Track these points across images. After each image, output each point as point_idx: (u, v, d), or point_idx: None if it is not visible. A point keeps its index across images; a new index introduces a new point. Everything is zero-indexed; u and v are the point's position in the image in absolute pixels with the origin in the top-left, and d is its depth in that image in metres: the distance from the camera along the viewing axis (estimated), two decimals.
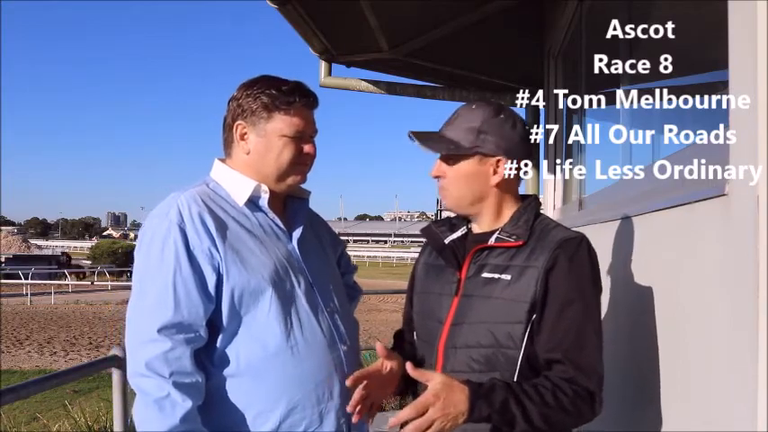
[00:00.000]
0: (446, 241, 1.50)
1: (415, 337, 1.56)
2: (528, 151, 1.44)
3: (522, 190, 1.51)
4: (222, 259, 1.46)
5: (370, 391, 1.43)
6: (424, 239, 1.59)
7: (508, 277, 1.37)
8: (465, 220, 1.52)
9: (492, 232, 1.44)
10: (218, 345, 1.47)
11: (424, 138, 1.44)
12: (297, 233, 1.60)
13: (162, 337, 1.40)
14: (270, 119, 1.54)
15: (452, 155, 1.43)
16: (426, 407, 1.22)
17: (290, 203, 1.66)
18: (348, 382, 1.41)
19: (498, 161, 1.41)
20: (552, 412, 1.28)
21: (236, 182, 1.57)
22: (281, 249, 1.55)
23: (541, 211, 1.48)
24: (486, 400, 1.24)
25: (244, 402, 1.47)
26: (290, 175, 1.57)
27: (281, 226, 1.59)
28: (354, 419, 1.44)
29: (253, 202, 1.57)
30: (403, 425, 1.23)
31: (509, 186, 1.45)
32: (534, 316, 1.34)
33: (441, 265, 1.50)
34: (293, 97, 1.54)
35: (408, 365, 1.30)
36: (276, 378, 1.47)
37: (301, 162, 1.57)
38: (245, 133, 1.56)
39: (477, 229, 1.49)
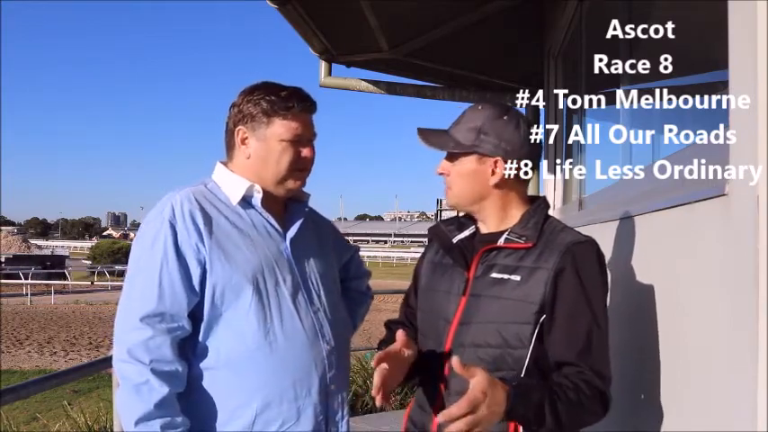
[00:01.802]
0: (454, 240, 1.51)
1: (418, 336, 1.55)
2: (532, 153, 1.43)
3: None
4: (207, 254, 1.52)
5: (389, 373, 1.38)
6: (428, 237, 1.60)
7: (517, 278, 1.37)
8: (473, 219, 1.52)
9: (500, 233, 1.44)
10: (199, 337, 1.53)
11: (428, 134, 1.46)
12: (291, 233, 1.64)
13: (144, 326, 1.47)
14: (269, 124, 1.58)
15: (455, 153, 1.44)
16: (477, 404, 1.17)
17: (289, 205, 1.70)
18: (374, 362, 1.37)
19: (496, 161, 1.42)
20: (577, 411, 1.29)
21: (232, 182, 1.62)
22: (271, 248, 1.59)
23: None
24: (523, 400, 1.22)
25: (222, 395, 1.52)
26: (289, 179, 1.61)
27: (276, 225, 1.63)
28: (378, 402, 1.37)
29: (247, 202, 1.61)
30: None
31: (513, 187, 1.45)
32: (543, 317, 1.34)
33: (448, 263, 1.50)
34: (291, 102, 1.58)
35: (455, 360, 1.21)
36: (253, 372, 1.51)
37: (300, 166, 1.61)
38: (246, 138, 1.61)
39: (484, 229, 1.49)
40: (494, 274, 1.40)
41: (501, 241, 1.42)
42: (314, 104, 1.63)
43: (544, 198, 1.51)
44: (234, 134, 1.62)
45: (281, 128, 1.58)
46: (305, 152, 1.61)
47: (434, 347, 1.46)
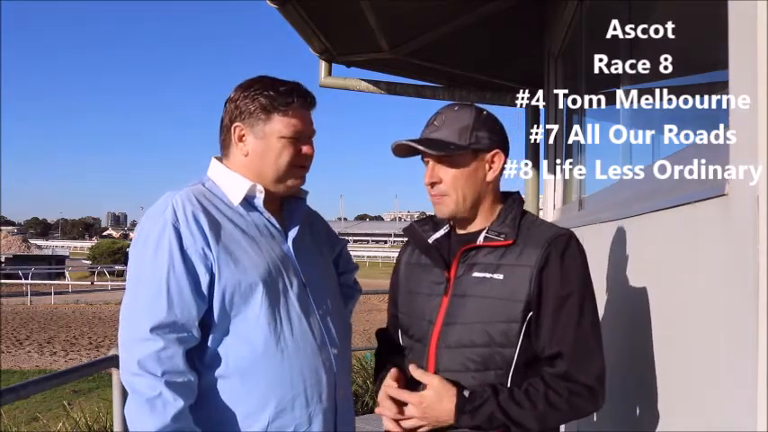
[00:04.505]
0: (430, 240, 1.50)
1: (401, 336, 1.55)
2: (508, 149, 1.47)
3: (522, 190, 1.51)
4: (215, 259, 1.46)
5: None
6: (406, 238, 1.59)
7: (500, 276, 1.37)
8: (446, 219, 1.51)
9: (478, 231, 1.44)
10: (208, 345, 1.48)
11: (417, 143, 1.42)
12: (292, 233, 1.60)
13: (155, 337, 1.41)
14: (268, 120, 1.53)
15: (447, 157, 1.41)
16: (425, 403, 1.37)
17: (287, 203, 1.65)
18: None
19: (494, 155, 1.43)
20: (544, 414, 1.32)
21: (233, 181, 1.56)
22: (275, 249, 1.55)
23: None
24: (470, 415, 1.33)
25: (233, 403, 1.47)
26: (290, 177, 1.57)
27: (277, 226, 1.59)
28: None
29: (248, 202, 1.56)
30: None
31: (497, 184, 1.47)
32: (530, 314, 1.35)
33: (426, 264, 1.50)
34: (291, 98, 1.53)
35: (412, 366, 1.40)
36: (265, 379, 1.47)
37: (300, 163, 1.57)
38: (244, 135, 1.55)
39: (461, 228, 1.49)
40: (476, 274, 1.40)
41: (480, 240, 1.42)
42: (314, 100, 1.59)
43: (517, 193, 1.51)
44: (230, 131, 1.56)
45: (280, 124, 1.53)
46: (305, 149, 1.56)
47: (420, 348, 1.45)
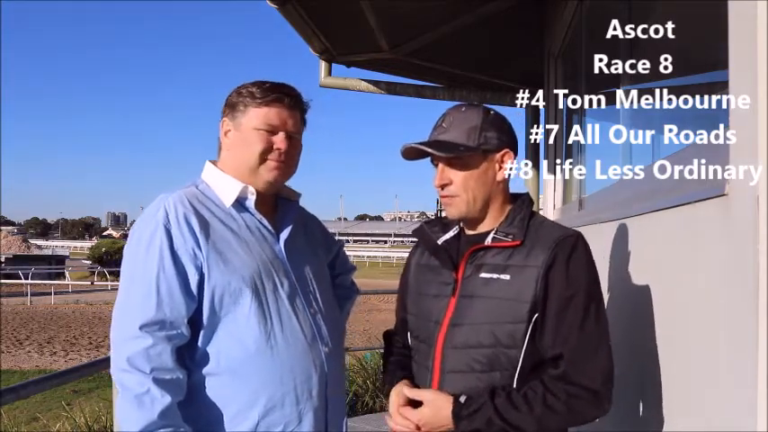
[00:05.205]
0: (439, 242, 1.50)
1: (409, 338, 1.56)
2: (518, 148, 1.47)
3: (522, 190, 1.51)
4: (205, 259, 1.49)
5: None
6: (414, 239, 1.60)
7: (507, 277, 1.37)
8: (456, 220, 1.51)
9: (487, 232, 1.44)
10: (199, 343, 1.50)
11: (426, 146, 1.42)
12: (284, 234, 1.62)
13: (144, 334, 1.43)
14: (245, 112, 1.57)
15: (457, 159, 1.41)
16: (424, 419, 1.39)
17: (280, 205, 1.68)
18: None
19: (504, 155, 1.43)
20: (541, 417, 1.31)
21: (224, 183, 1.59)
22: (266, 250, 1.57)
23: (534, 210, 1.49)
24: (468, 420, 1.34)
25: (223, 401, 1.50)
26: (261, 168, 1.57)
27: (269, 227, 1.61)
28: None
29: (241, 204, 1.59)
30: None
31: (506, 184, 1.47)
32: (536, 315, 1.35)
33: (435, 265, 1.50)
34: (269, 92, 1.57)
35: (406, 389, 1.44)
36: (255, 377, 1.49)
37: (272, 157, 1.57)
38: (229, 130, 1.60)
39: (470, 228, 1.49)
40: (483, 274, 1.40)
41: (488, 240, 1.42)
42: (296, 100, 1.60)
43: (527, 194, 1.51)
44: (220, 127, 1.62)
45: (254, 116, 1.56)
46: (278, 143, 1.56)
47: (426, 350, 1.46)
